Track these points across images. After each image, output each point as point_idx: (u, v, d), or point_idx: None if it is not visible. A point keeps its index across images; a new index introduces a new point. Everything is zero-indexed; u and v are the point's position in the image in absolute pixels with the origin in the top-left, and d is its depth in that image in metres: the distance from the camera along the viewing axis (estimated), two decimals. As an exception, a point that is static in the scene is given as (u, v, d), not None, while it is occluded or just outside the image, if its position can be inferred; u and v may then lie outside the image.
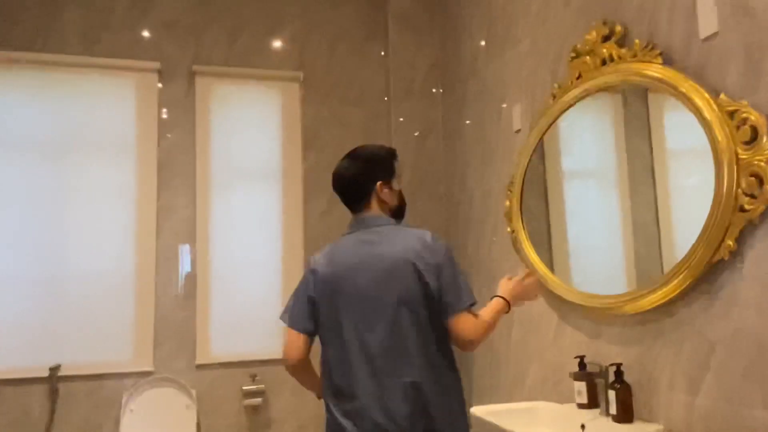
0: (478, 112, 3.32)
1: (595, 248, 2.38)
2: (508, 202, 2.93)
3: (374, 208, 1.88)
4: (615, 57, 2.17)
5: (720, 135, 1.71)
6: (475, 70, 3.35)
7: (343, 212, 3.64)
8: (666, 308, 1.98)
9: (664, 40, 1.99)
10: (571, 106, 2.42)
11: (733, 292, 1.73)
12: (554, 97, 2.54)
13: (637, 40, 2.07)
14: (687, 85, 1.83)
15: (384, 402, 1.68)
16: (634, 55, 2.07)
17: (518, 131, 2.90)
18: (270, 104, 3.69)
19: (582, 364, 2.33)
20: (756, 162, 1.62)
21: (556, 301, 2.57)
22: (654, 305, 2.00)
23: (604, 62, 2.24)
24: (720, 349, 1.78)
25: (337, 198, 3.73)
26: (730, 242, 1.71)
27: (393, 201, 1.91)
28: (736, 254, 1.71)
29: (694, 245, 1.81)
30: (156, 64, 3.49)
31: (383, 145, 2.01)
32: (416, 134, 3.74)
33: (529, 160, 2.72)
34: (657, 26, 2.02)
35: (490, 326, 1.76)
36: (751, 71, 1.67)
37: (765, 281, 1.63)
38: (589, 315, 2.37)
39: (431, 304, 1.72)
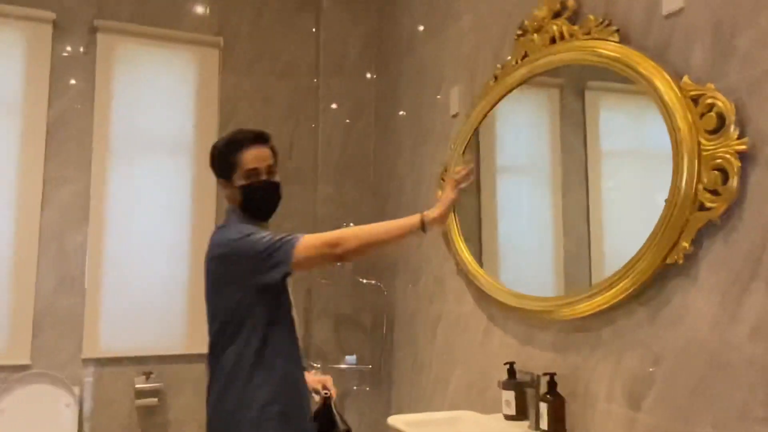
0: (414, 93, 3.07)
1: (528, 248, 2.17)
2: (440, 192, 2.69)
3: (228, 203, 1.84)
4: (566, 35, 1.96)
5: (681, 122, 1.51)
6: (413, 48, 3.10)
7: (261, 195, 3.32)
8: (606, 315, 1.78)
9: (622, 16, 1.78)
10: (513, 88, 2.20)
11: (685, 301, 1.55)
12: (496, 78, 2.32)
13: (591, 16, 1.86)
14: (646, 65, 1.63)
15: None
16: (588, 32, 1.86)
17: (455, 115, 2.67)
18: (184, 71, 3.31)
19: (511, 372, 2.11)
20: (721, 154, 1.43)
21: (486, 301, 2.36)
22: (592, 311, 1.80)
23: (553, 40, 2.02)
24: (667, 362, 1.59)
25: (255, 179, 3.42)
26: (685, 244, 1.52)
27: (235, 198, 1.79)
28: (689, 258, 1.53)
29: (642, 247, 1.62)
30: (51, 14, 3.05)
31: (227, 136, 1.83)
32: (346, 119, 3.46)
33: (465, 147, 2.49)
34: (614, 1, 1.81)
35: (350, 233, 1.66)
36: (720, 52, 1.48)
37: (723, 289, 1.45)
38: (521, 318, 2.16)
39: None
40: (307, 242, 1.66)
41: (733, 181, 1.40)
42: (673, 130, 1.54)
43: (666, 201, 1.56)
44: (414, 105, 3.05)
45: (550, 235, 2.11)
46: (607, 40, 1.78)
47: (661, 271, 1.60)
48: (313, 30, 3.55)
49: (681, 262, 1.53)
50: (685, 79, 1.54)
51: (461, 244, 2.49)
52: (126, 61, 3.20)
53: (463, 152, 2.49)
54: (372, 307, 3.32)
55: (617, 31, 1.76)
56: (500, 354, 2.26)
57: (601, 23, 1.82)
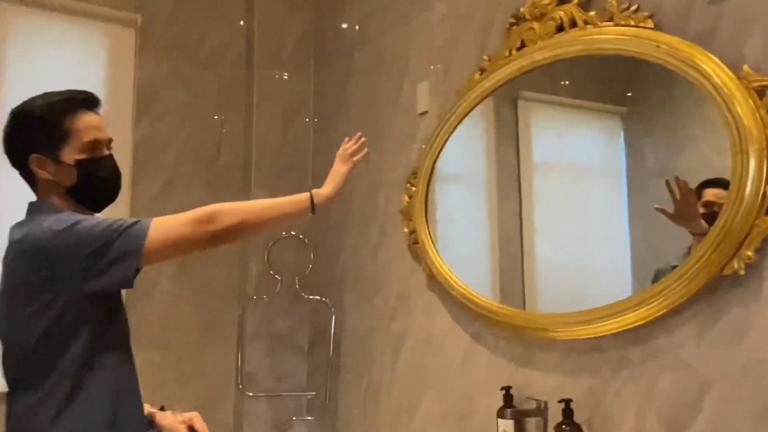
0: (366, 89, 2.78)
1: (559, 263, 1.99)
2: (407, 197, 2.42)
3: (40, 191, 1.38)
4: (579, 22, 1.76)
5: (746, 116, 1.35)
6: (366, 40, 2.81)
7: (186, 199, 2.89)
8: (634, 333, 1.59)
9: (650, 2, 1.61)
10: (510, 80, 1.98)
11: (745, 316, 1.38)
12: (482, 71, 2.09)
13: (613, 1, 1.68)
14: (696, 53, 1.45)
15: None
16: (610, 19, 1.68)
17: (424, 113, 2.41)
18: (93, 51, 2.83)
19: (508, 398, 1.88)
20: (796, 152, 1.28)
21: (468, 318, 2.11)
22: (617, 330, 1.61)
23: (560, 29, 1.82)
24: (720, 386, 1.42)
25: (180, 180, 2.97)
26: (749, 252, 1.35)
27: (63, 179, 1.36)
28: (751, 267, 1.36)
29: (695, 256, 1.44)
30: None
31: (44, 97, 1.39)
32: (284, 117, 3.10)
33: (443, 146, 2.25)
34: (638, -14, 1.64)
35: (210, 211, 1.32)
36: (785, 40, 1.34)
37: (796, 303, 1.29)
38: (517, 336, 1.93)
39: None
40: (165, 223, 1.29)
41: (813, 183, 1.25)
42: (733, 124, 1.37)
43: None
44: (367, 103, 2.77)
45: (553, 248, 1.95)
46: (639, 27, 1.60)
47: (714, 283, 1.42)
48: (245, 11, 3.17)
49: (742, 272, 1.36)
50: (746, 68, 1.38)
51: (435, 254, 2.23)
52: (21, 35, 2.67)
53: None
54: (316, 326, 2.98)
55: (650, 17, 1.59)
56: (488, 378, 2.02)
57: (627, 8, 1.64)
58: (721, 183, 1.43)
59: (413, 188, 2.38)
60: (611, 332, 1.63)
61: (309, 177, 3.10)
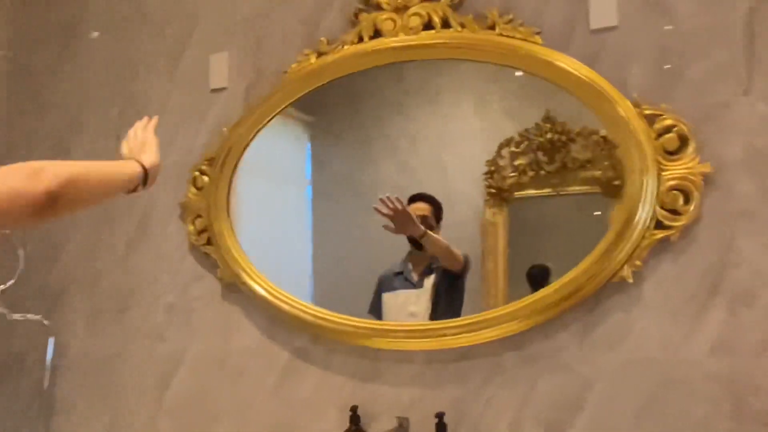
0: (117, 55, 2.20)
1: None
2: (193, 188, 1.99)
3: None
4: (454, 23, 1.71)
5: (645, 141, 1.49)
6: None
7: None
8: (510, 340, 1.61)
9: (531, 17, 1.66)
10: (360, 69, 1.80)
11: (627, 321, 1.52)
12: (320, 54, 1.86)
13: (493, 10, 1.68)
14: (593, 76, 1.55)
15: None
16: (491, 27, 1.67)
17: (221, 90, 2.03)
18: None
19: (355, 419, 1.69)
20: (682, 175, 1.47)
21: (287, 331, 1.85)
22: (489, 339, 1.61)
23: (429, 26, 1.75)
24: (601, 384, 1.53)
25: None
26: (638, 262, 1.49)
27: None
28: (636, 276, 1.51)
29: (583, 264, 1.53)
30: None
31: None
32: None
33: (256, 134, 1.92)
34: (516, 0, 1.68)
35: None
36: (667, 77, 1.53)
37: (675, 307, 1.48)
38: (358, 351, 1.76)
39: None
40: None
41: (695, 202, 1.46)
42: (632, 147, 1.51)
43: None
44: (114, 71, 2.19)
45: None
46: (528, 41, 1.63)
47: (599, 291, 1.54)
48: None
49: (630, 280, 1.50)
50: (636, 97, 1.53)
51: (243, 258, 1.89)
52: None
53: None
54: (26, 351, 2.20)
55: (539, 33, 1.64)
56: (317, 399, 1.79)
57: (512, 20, 1.66)
58: (423, 198, 1.76)
59: (205, 178, 1.98)
60: (484, 341, 1.62)
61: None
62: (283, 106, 1.88)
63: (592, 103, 1.56)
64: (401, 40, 1.76)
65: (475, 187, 1.75)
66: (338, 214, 1.93)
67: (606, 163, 1.61)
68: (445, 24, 1.73)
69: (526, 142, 1.70)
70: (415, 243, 1.76)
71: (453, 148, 1.83)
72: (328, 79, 1.84)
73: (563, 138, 1.68)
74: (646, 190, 1.48)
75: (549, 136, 1.69)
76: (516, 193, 1.73)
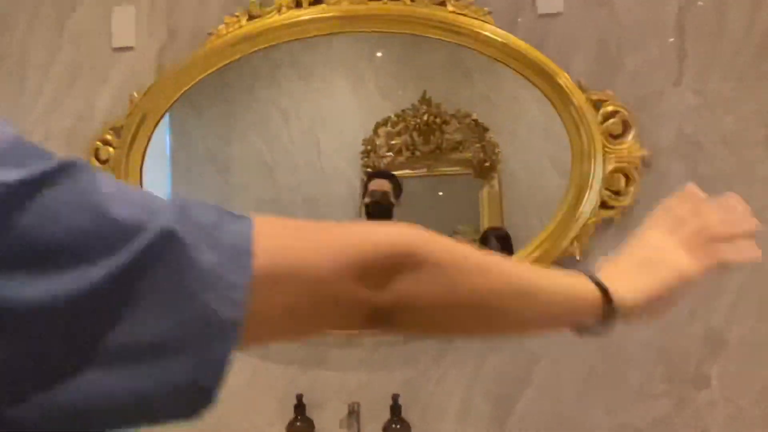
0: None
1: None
2: (95, 161, 1.74)
3: None
4: (404, -2, 1.66)
5: (593, 124, 1.57)
6: None
7: None
8: (460, 318, 1.62)
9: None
10: (302, 38, 1.68)
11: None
12: (251, 17, 1.71)
13: (442, -15, 1.66)
14: (541, 59, 1.59)
15: None
16: (441, 3, 1.65)
17: (127, 49, 1.78)
18: None
19: (300, 407, 1.61)
20: (625, 158, 1.57)
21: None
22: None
23: (377, -4, 1.67)
24: (548, 358, 1.60)
25: None
26: (586, 240, 1.57)
27: None
28: (584, 254, 1.59)
29: (536, 241, 1.58)
30: None
31: None
32: None
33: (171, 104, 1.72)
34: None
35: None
36: (606, 65, 1.62)
37: (615, 281, 1.58)
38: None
39: None
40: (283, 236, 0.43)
41: (636, 184, 1.57)
42: (576, 129, 1.57)
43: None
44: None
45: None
46: (481, 20, 1.63)
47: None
48: None
49: (578, 257, 1.58)
50: (582, 82, 1.60)
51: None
52: None
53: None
54: None
55: (490, 13, 1.64)
56: (258, 389, 1.66)
57: (460, -2, 1.65)
58: (384, 174, 1.73)
59: (110, 149, 1.74)
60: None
61: None
62: (210, 71, 1.70)
63: (543, 88, 1.60)
64: (345, 9, 1.67)
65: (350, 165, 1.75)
66: (200, 192, 1.81)
67: (477, 145, 1.70)
68: (396, -4, 1.67)
69: (402, 123, 1.72)
70: (378, 216, 1.68)
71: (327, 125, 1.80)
72: (263, 46, 1.69)
73: (438, 120, 1.72)
74: (595, 171, 1.56)
75: (425, 117, 1.73)
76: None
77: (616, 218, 1.57)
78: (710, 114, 1.58)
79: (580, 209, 1.56)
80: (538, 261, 1.56)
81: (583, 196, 1.56)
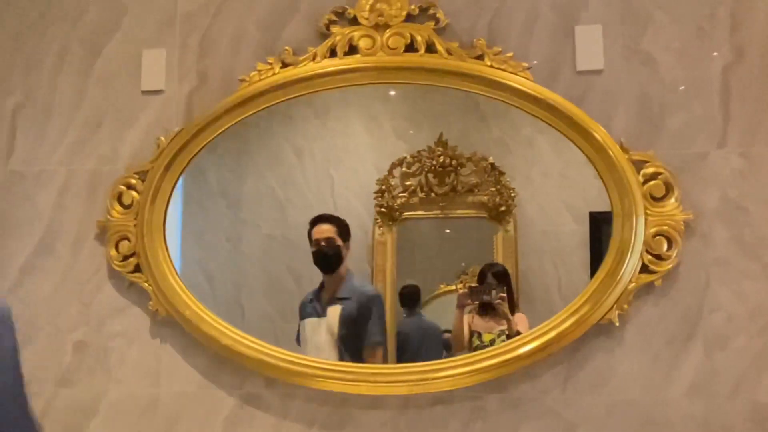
0: (14, 36, 1.82)
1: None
2: (117, 206, 1.70)
3: None
4: (440, 48, 1.62)
5: (634, 185, 1.51)
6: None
7: None
8: (494, 381, 1.55)
9: (517, 50, 1.63)
10: (338, 86, 1.65)
11: (609, 363, 1.53)
12: (284, 65, 1.67)
13: (481, 40, 1.62)
14: (582, 117, 1.55)
15: None
16: (479, 57, 1.61)
17: (156, 92, 1.75)
18: None
19: (321, 474, 1.53)
20: (667, 221, 1.51)
21: (235, 370, 1.63)
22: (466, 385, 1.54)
23: (411, 48, 1.64)
24: (585, 427, 1.52)
25: None
26: (626, 305, 1.51)
27: None
28: (621, 319, 1.52)
29: (574, 304, 1.51)
30: None
31: None
32: None
33: (199, 150, 1.68)
34: (501, 31, 1.64)
35: None
36: (649, 123, 1.57)
37: (656, 350, 1.51)
38: (318, 397, 1.59)
39: None
40: None
41: (678, 248, 1.51)
42: (620, 189, 1.52)
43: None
44: (18, 62, 1.82)
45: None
46: (517, 75, 1.59)
47: (583, 332, 1.53)
48: None
49: (617, 323, 1.51)
50: (624, 142, 1.55)
51: (179, 283, 1.64)
52: None
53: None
54: None
55: (529, 68, 1.60)
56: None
57: (500, 52, 1.62)
58: (325, 219, 1.68)
59: (133, 194, 1.69)
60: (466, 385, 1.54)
61: None
62: (240, 118, 1.67)
63: (582, 144, 1.55)
64: (382, 60, 1.63)
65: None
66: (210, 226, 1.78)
67: (493, 189, 1.65)
68: (429, 48, 1.64)
69: (417, 164, 1.67)
70: (325, 265, 1.66)
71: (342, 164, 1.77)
72: (296, 94, 1.66)
73: (454, 162, 1.69)
74: (636, 234, 1.50)
75: (441, 159, 1.69)
76: (405, 213, 1.71)
77: (656, 283, 1.51)
78: (755, 178, 1.53)
79: (621, 273, 1.50)
80: (575, 325, 1.49)
81: (625, 259, 1.50)
